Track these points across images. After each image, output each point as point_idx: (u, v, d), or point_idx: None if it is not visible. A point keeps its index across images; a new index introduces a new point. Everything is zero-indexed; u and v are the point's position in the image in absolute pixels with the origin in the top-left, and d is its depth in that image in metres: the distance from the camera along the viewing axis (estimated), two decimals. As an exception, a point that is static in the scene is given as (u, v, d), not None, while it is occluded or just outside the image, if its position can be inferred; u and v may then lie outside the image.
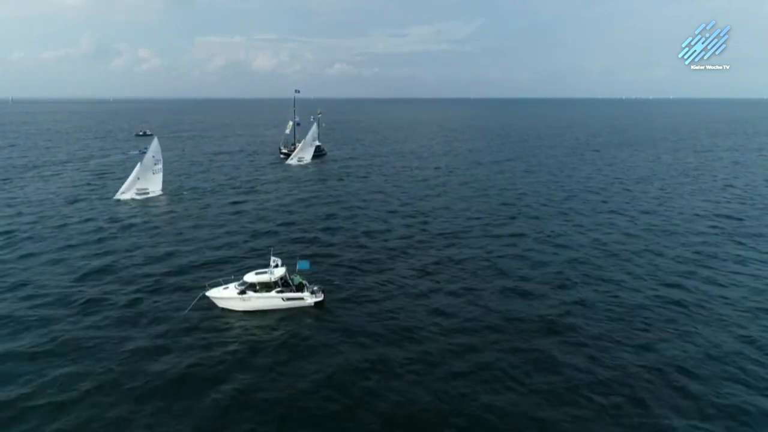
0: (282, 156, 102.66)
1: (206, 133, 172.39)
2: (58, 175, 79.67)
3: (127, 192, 62.17)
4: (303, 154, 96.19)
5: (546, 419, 20.75)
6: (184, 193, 66.66)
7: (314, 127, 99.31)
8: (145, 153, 61.89)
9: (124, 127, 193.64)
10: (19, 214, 53.64)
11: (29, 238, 45.05)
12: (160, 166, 65.79)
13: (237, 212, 56.16)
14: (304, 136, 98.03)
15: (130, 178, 63.01)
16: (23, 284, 34.25)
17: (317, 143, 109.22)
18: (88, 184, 71.75)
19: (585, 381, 23.41)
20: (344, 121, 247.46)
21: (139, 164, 63.21)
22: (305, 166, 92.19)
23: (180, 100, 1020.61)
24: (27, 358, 25.07)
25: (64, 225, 49.53)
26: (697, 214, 54.96)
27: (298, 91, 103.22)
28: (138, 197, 61.94)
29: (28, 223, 49.77)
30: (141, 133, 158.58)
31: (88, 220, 51.81)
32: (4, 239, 44.49)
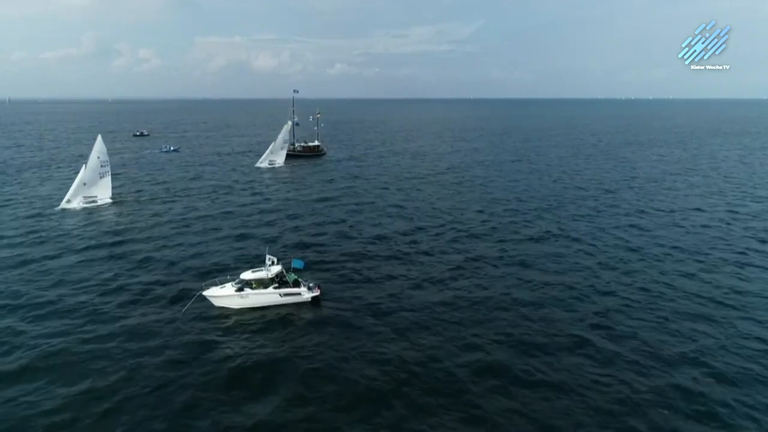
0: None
1: (209, 134, 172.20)
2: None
3: (73, 200, 55.68)
4: (274, 158, 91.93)
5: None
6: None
7: (285, 129, 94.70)
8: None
9: (126, 128, 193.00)
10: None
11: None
12: (108, 168, 59.50)
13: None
14: (307, 135, 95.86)
15: (76, 184, 56.32)
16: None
17: (317, 143, 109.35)
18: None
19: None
20: (345, 122, 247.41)
21: (84, 167, 56.89)
22: (310, 166, 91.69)
23: (180, 100, 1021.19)
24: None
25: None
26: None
27: (297, 91, 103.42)
28: (86, 205, 55.83)
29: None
30: (138, 134, 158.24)
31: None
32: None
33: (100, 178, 58.31)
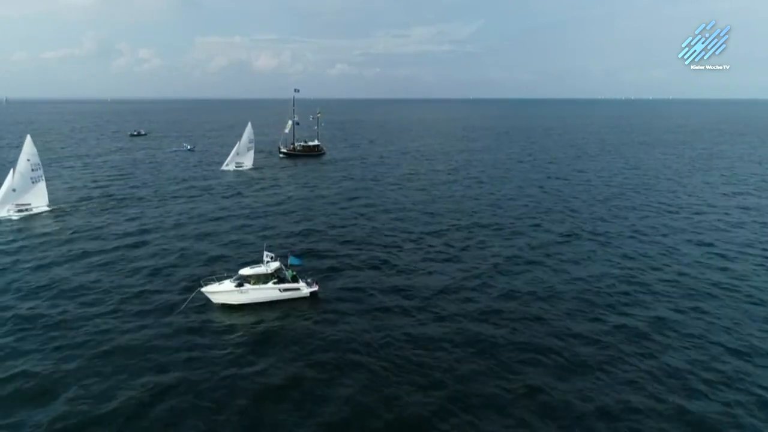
0: (282, 156, 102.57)
1: (211, 133, 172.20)
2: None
3: (1, 209, 50.87)
4: (241, 160, 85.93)
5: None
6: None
7: (249, 128, 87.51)
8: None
9: (126, 128, 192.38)
10: None
11: None
12: (40, 172, 53.86)
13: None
14: (307, 135, 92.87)
15: (4, 190, 51.36)
16: None
17: (316, 143, 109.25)
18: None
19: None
20: (345, 122, 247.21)
21: (11, 171, 51.94)
22: (314, 166, 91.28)
23: (181, 100, 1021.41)
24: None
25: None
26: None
27: (298, 90, 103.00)
28: (16, 215, 50.86)
29: None
30: (135, 133, 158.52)
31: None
32: None
33: (32, 183, 52.91)
